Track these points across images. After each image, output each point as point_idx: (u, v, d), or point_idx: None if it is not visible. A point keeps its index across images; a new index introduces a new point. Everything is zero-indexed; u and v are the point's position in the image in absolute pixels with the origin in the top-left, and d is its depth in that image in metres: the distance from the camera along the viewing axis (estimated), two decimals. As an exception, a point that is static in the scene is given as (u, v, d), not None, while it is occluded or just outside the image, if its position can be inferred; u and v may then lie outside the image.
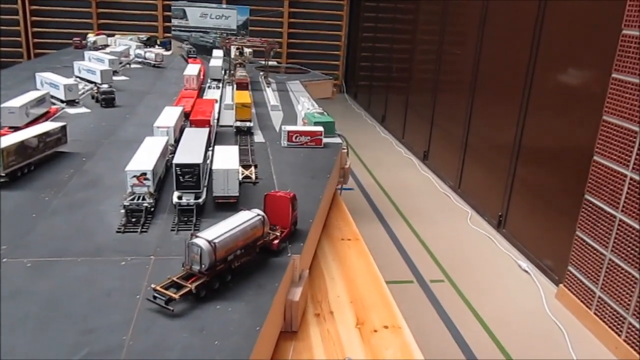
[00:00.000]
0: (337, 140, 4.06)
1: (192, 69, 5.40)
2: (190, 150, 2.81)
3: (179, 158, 2.69)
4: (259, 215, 2.28)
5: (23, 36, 13.40)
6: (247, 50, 7.20)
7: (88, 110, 4.66)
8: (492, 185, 6.36)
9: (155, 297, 1.90)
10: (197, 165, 2.61)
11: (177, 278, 1.98)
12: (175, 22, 8.43)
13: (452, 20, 7.94)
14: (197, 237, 2.01)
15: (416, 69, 9.49)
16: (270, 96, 5.27)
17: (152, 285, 1.94)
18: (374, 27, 12.14)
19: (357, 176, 8.07)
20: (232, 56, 6.26)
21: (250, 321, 1.85)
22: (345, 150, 3.95)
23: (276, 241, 2.36)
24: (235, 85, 4.99)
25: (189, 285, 1.94)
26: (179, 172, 2.60)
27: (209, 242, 1.98)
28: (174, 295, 1.90)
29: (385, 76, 11.06)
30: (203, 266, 1.97)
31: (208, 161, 2.96)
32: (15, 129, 3.65)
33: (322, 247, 2.95)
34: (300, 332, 2.24)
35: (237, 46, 6.33)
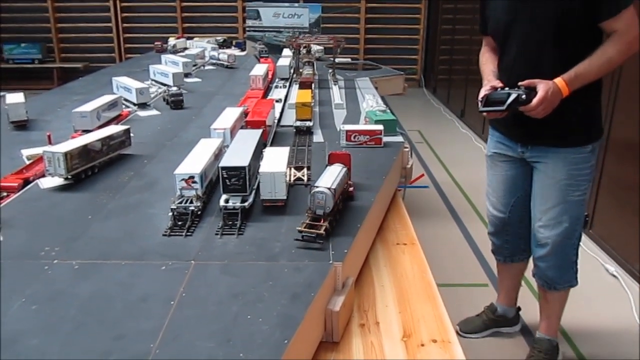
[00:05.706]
0: (400, 139, 3.91)
1: (259, 69, 5.42)
2: (239, 153, 2.77)
3: (226, 161, 2.67)
4: (344, 167, 2.61)
5: (115, 42, 14.19)
6: (315, 48, 7.14)
7: (158, 113, 4.80)
8: (577, 183, 5.94)
9: (303, 237, 2.21)
10: (243, 168, 2.57)
11: (309, 221, 2.29)
12: (249, 22, 8.56)
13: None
14: (317, 186, 2.30)
15: (497, 61, 9.04)
16: (336, 94, 5.17)
17: (298, 228, 2.24)
18: (452, 18, 11.73)
19: (432, 174, 7.84)
20: (300, 55, 6.24)
21: (279, 334, 1.77)
22: (408, 150, 3.79)
23: (351, 189, 2.72)
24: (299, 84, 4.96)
25: (324, 224, 2.25)
26: (225, 175, 2.58)
27: (329, 189, 2.29)
28: (320, 232, 2.20)
29: (464, 69, 10.64)
30: (327, 209, 2.27)
31: (261, 163, 2.92)
32: (87, 132, 3.80)
33: (375, 252, 2.82)
34: (341, 343, 2.14)
35: (303, 44, 6.30)
